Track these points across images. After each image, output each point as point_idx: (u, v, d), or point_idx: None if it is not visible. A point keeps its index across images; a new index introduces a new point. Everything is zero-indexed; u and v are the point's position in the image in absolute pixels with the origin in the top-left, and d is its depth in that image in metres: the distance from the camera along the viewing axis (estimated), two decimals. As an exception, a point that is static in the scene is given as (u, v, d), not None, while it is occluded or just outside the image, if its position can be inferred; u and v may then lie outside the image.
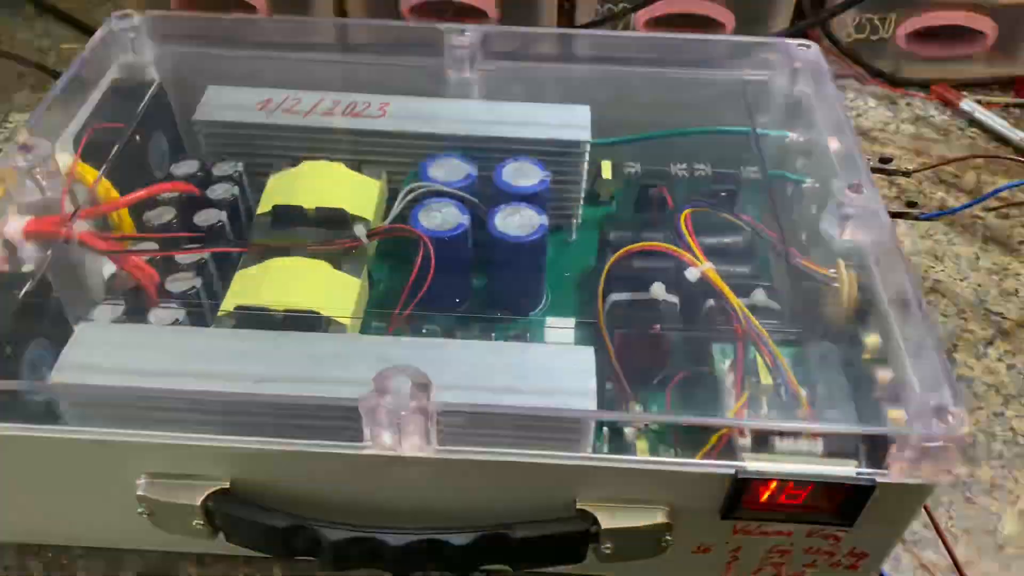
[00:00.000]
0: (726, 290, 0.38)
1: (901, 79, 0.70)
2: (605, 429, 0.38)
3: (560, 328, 0.43)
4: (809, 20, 0.68)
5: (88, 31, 0.72)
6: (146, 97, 0.46)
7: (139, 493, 0.34)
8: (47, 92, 0.45)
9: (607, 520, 0.33)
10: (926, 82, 0.69)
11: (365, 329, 0.42)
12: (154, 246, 0.42)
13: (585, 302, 0.47)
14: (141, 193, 0.43)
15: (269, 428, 0.33)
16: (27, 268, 0.40)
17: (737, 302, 0.37)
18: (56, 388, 0.35)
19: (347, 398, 0.32)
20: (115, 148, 0.44)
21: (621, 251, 0.41)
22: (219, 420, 0.34)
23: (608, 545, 0.34)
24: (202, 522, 0.34)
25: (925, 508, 0.40)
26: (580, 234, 0.51)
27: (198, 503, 0.33)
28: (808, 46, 0.50)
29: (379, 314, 0.43)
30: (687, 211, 0.41)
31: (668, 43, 0.52)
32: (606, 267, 0.41)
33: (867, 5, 0.66)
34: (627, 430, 0.38)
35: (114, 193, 0.43)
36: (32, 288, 0.37)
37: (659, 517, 0.34)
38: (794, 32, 0.68)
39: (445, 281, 0.43)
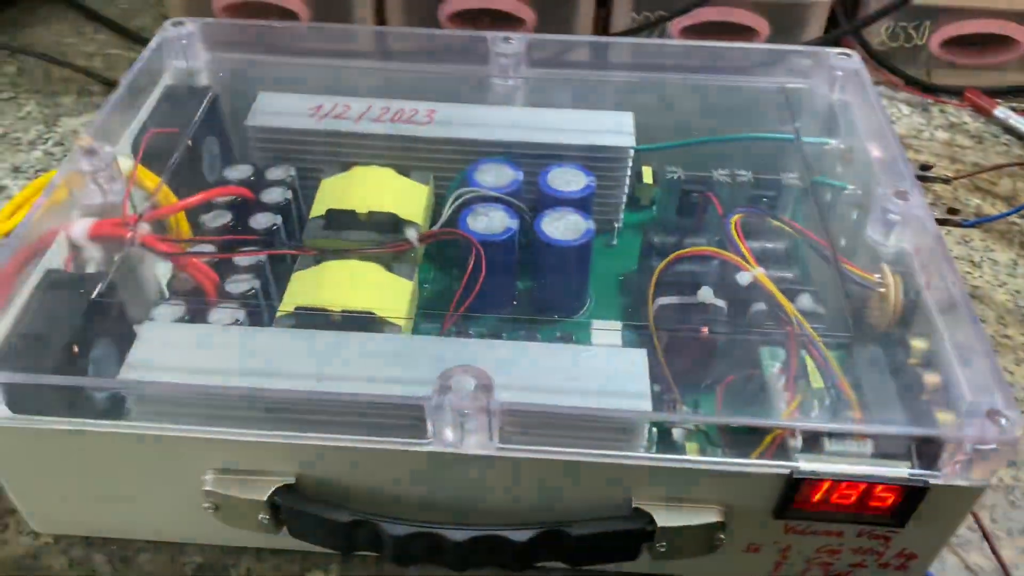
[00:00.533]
0: (779, 295, 0.39)
1: (934, 86, 0.70)
2: (654, 430, 0.39)
3: (608, 330, 0.44)
4: (843, 28, 0.68)
5: (132, 37, 0.74)
6: (203, 103, 0.47)
7: (206, 488, 0.35)
8: (107, 97, 0.46)
9: (663, 519, 0.34)
10: (959, 89, 0.69)
11: (416, 330, 0.43)
12: (211, 248, 0.43)
13: (627, 305, 0.47)
14: (201, 196, 0.44)
15: (334, 425, 0.34)
16: (90, 269, 0.41)
17: (790, 306, 0.38)
18: (131, 385, 0.36)
19: (414, 396, 0.33)
20: (176, 153, 0.45)
21: (672, 255, 0.42)
22: (286, 417, 0.35)
23: (663, 543, 0.35)
24: (267, 517, 0.35)
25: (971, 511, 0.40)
26: (620, 238, 0.51)
27: (264, 498, 0.34)
28: (849, 54, 0.51)
29: (432, 315, 0.44)
30: (737, 216, 0.42)
31: (709, 51, 0.53)
32: (656, 271, 0.42)
33: (901, 13, 0.67)
34: (675, 431, 0.39)
35: (172, 197, 0.44)
36: (103, 289, 0.38)
37: (713, 516, 0.34)
38: (828, 40, 0.68)
39: (493, 283, 0.43)
